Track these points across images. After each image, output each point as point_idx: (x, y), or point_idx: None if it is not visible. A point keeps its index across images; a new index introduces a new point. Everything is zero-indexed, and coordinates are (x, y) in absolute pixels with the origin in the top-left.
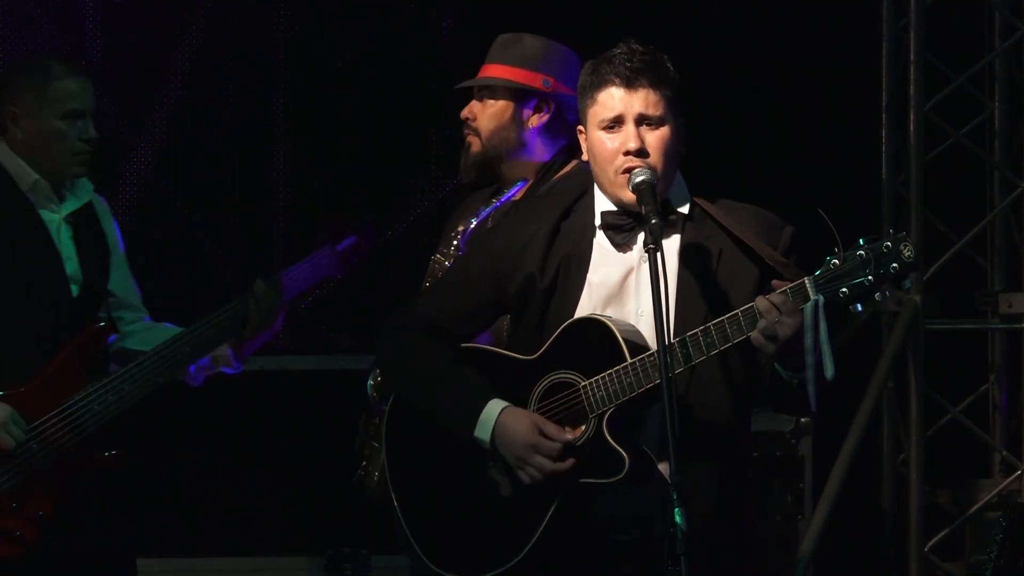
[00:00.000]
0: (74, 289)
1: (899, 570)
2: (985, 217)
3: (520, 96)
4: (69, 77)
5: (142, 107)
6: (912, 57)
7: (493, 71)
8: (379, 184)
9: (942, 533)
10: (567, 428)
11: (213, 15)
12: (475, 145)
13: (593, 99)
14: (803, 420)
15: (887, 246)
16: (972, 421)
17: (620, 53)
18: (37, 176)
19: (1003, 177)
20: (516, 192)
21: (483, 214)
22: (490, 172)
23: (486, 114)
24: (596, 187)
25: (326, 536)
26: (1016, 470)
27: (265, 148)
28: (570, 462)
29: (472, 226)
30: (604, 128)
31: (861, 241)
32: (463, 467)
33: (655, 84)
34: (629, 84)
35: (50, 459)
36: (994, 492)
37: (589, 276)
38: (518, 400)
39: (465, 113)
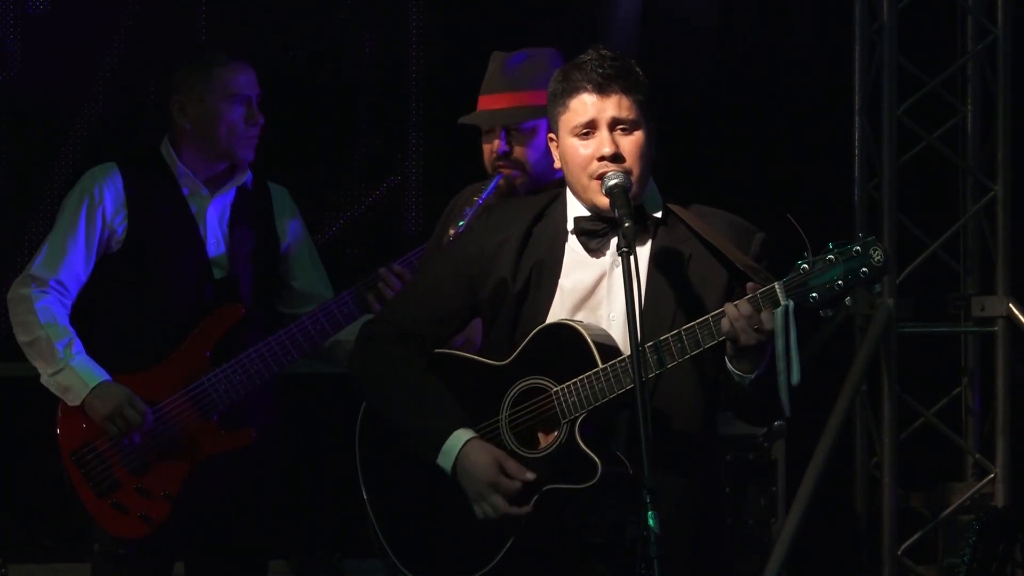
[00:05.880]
0: (217, 272)
1: (872, 573)
2: (958, 221)
3: None
4: (230, 63)
5: (65, 115)
6: (885, 60)
7: (522, 99)
8: (305, 192)
9: (915, 536)
10: (540, 433)
11: (134, 26)
12: (520, 178)
13: (565, 106)
14: (776, 423)
15: (856, 250)
16: (945, 424)
17: (591, 59)
18: (182, 165)
19: (976, 180)
20: (493, 188)
21: (468, 214)
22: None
23: (529, 145)
24: (569, 192)
25: (298, 540)
26: (989, 473)
27: None
28: (526, 508)
29: (461, 227)
30: (577, 135)
31: (831, 245)
32: (437, 472)
33: (627, 89)
34: (601, 90)
35: (177, 439)
36: (967, 495)
37: (561, 281)
38: (491, 406)
39: (500, 148)
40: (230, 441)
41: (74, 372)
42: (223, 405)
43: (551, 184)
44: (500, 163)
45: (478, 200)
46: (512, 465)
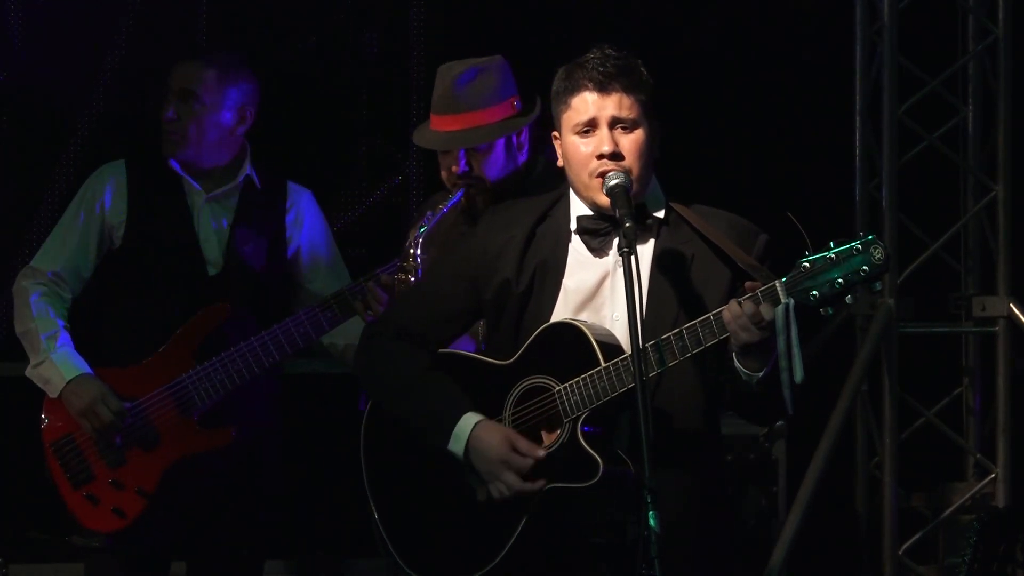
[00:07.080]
0: (210, 270)
1: (872, 573)
2: (959, 221)
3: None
4: (180, 60)
5: (67, 115)
6: (886, 60)
7: (476, 119)
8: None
9: (916, 536)
10: (543, 432)
11: (134, 26)
12: (480, 194)
13: (567, 104)
14: (777, 423)
15: (857, 248)
16: (946, 424)
17: (593, 58)
18: (174, 161)
19: (977, 180)
20: (456, 199)
21: (432, 220)
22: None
23: (486, 162)
24: (572, 192)
25: (298, 540)
26: (990, 473)
27: None
28: (540, 483)
29: (422, 232)
30: (578, 132)
31: (831, 244)
32: (440, 472)
33: (628, 88)
34: (602, 88)
35: (155, 435)
36: (968, 495)
37: (564, 281)
38: (494, 405)
39: (460, 169)
40: (208, 440)
41: (53, 365)
42: (203, 404)
43: (512, 181)
44: (460, 181)
45: (443, 208)
46: (523, 443)
